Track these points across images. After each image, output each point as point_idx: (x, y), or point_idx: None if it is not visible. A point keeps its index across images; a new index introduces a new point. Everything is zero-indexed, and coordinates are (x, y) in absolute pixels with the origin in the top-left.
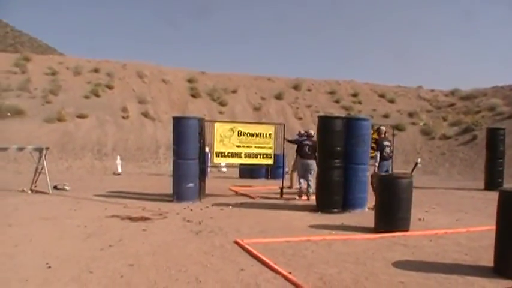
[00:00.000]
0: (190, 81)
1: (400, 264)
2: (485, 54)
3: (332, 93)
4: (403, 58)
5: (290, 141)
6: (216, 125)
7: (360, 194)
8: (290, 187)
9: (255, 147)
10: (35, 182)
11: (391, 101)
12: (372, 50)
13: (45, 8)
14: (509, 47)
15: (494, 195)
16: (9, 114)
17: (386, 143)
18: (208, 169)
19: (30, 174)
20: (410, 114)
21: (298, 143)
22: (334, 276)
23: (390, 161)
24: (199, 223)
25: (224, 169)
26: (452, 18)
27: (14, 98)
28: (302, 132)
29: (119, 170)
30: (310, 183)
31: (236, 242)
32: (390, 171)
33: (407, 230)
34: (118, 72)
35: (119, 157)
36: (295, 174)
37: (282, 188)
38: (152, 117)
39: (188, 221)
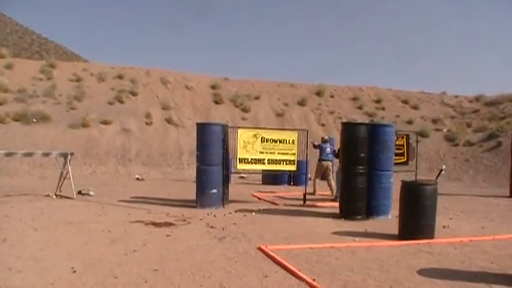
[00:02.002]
0: (213, 87)
1: (425, 272)
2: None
3: (355, 99)
4: (426, 63)
5: (315, 146)
6: (240, 131)
7: (384, 200)
8: (313, 193)
9: (278, 153)
10: (60, 187)
11: (415, 107)
12: (394, 55)
13: (70, 16)
14: None
15: None
16: (35, 120)
17: None
18: (231, 175)
19: (55, 179)
20: (434, 121)
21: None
22: (359, 284)
23: None
24: (223, 229)
25: (244, 174)
26: (476, 25)
27: (39, 104)
28: (326, 138)
29: (141, 177)
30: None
31: (260, 248)
32: None
33: (432, 237)
34: (142, 79)
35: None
36: (317, 180)
37: (305, 195)
38: (176, 123)
39: (212, 227)
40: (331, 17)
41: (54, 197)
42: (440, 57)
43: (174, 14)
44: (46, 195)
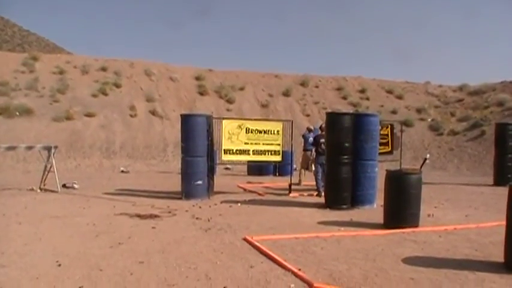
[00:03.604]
0: (197, 78)
1: (410, 260)
2: (493, 49)
3: (339, 89)
4: (411, 54)
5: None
6: (224, 122)
7: (369, 190)
8: (299, 184)
9: (263, 144)
10: (44, 181)
11: (399, 97)
12: (379, 46)
13: (52, 8)
14: None
15: (503, 191)
16: (17, 113)
17: (322, 140)
18: (217, 166)
19: (39, 173)
20: (418, 110)
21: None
22: (344, 273)
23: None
24: (208, 220)
25: (229, 165)
26: (459, 15)
27: (22, 97)
28: (311, 127)
29: (126, 169)
30: None
31: (245, 239)
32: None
33: (416, 226)
34: (126, 71)
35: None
36: (303, 171)
37: (290, 185)
38: (160, 115)
39: (197, 218)
40: (318, 9)
41: (39, 190)
42: (427, 49)
43: (159, 6)
44: (30, 189)
